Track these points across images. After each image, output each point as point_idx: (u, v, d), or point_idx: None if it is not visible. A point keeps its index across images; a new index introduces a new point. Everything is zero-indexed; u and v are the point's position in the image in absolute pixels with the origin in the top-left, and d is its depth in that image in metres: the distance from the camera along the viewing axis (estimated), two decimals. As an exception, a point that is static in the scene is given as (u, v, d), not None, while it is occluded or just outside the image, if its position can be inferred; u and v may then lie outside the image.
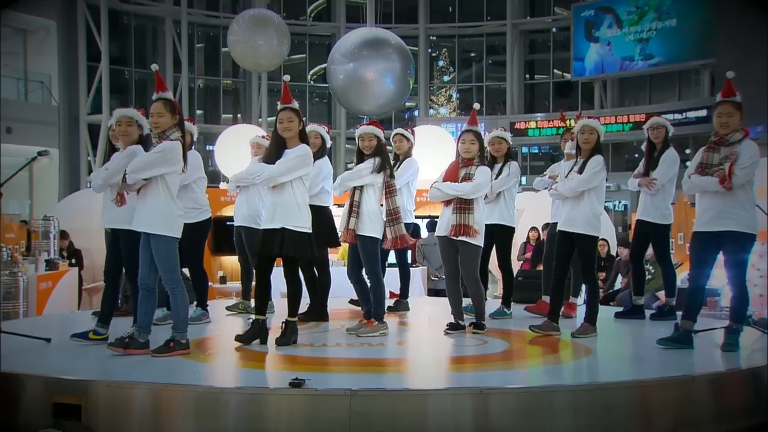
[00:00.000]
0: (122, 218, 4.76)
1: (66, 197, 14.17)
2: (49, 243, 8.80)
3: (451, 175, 5.48)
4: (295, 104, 4.99)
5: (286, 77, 5.16)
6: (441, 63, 28.31)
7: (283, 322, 5.02)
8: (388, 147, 5.61)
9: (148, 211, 4.55)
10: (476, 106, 5.77)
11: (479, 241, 5.44)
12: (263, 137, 6.41)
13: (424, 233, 9.19)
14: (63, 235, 9.28)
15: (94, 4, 22.32)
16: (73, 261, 9.25)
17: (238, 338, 4.98)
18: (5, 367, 4.11)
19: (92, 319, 5.40)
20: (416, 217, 6.85)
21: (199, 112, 25.55)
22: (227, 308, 6.61)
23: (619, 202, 24.81)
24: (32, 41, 21.46)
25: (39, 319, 7.12)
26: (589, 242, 5.39)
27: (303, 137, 4.99)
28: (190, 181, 5.72)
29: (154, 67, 4.97)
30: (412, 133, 6.58)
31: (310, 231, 4.92)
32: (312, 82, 27.36)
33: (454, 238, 5.40)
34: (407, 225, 6.26)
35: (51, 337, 5.07)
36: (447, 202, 5.46)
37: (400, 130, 6.58)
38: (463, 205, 5.38)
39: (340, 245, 5.90)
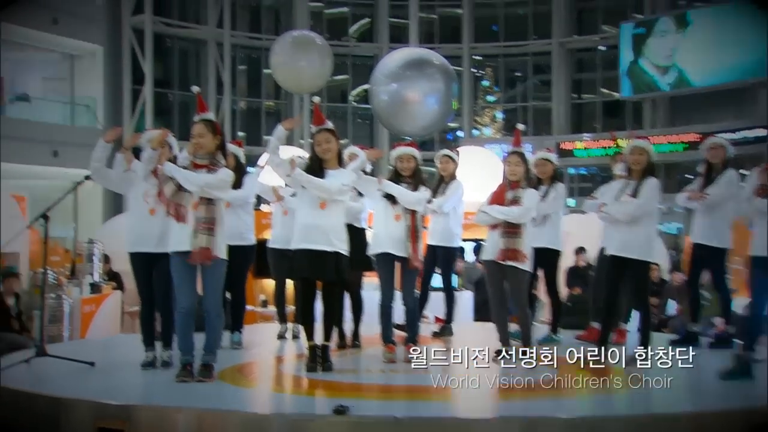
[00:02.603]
0: (173, 241, 4.73)
1: (109, 220, 14.43)
2: (93, 266, 8.93)
3: (498, 198, 5.48)
4: (330, 124, 5.07)
5: (317, 99, 5.31)
6: (485, 83, 28.27)
7: (317, 347, 5.03)
8: (431, 168, 5.64)
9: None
10: (520, 126, 5.81)
11: (527, 266, 5.43)
12: (300, 157, 6.39)
13: (469, 257, 9.25)
14: (106, 258, 9.39)
15: (139, 28, 22.89)
16: (115, 284, 9.35)
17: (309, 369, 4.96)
18: (50, 391, 4.20)
19: (140, 344, 5.41)
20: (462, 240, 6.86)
21: (240, 133, 25.86)
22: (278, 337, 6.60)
23: (672, 224, 24.35)
24: (79, 66, 22.05)
25: (83, 343, 7.24)
26: (644, 268, 5.32)
27: (340, 159, 5.10)
28: (252, 201, 5.93)
29: (195, 89, 5.12)
30: (457, 154, 6.61)
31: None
32: (354, 103, 27.56)
33: (502, 263, 5.38)
34: (455, 249, 6.38)
35: (95, 360, 5.14)
36: (493, 226, 5.46)
37: (446, 151, 6.60)
38: (511, 229, 5.37)
39: (373, 269, 5.88)
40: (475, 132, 27.51)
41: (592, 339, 5.83)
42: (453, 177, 6.46)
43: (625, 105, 26.86)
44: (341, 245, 4.94)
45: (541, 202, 5.91)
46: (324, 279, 4.97)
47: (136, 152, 5.26)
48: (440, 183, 6.44)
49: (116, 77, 22.44)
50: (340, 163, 5.10)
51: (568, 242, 6.86)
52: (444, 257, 6.39)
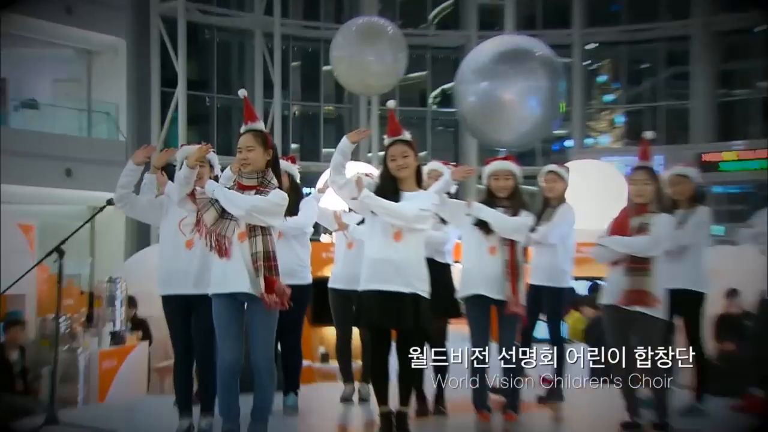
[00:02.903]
0: (215, 280, 4.81)
1: (134, 255, 14.52)
2: (115, 311, 8.96)
3: (620, 227, 5.47)
4: (407, 135, 5.13)
5: (391, 103, 5.37)
6: (602, 78, 27.96)
7: (391, 413, 5.02)
8: (532, 188, 5.63)
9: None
10: (648, 135, 5.79)
11: (660, 312, 5.37)
12: (367, 174, 6.38)
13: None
14: (131, 302, 9.46)
15: (171, 16, 23.31)
16: (141, 334, 9.32)
17: None
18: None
19: (172, 408, 5.49)
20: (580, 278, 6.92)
21: (294, 146, 26.01)
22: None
23: None
24: (98, 64, 22.31)
25: (102, 407, 7.41)
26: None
27: (419, 178, 5.16)
28: (309, 231, 6.05)
29: (242, 92, 5.17)
30: (566, 170, 6.62)
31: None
32: (434, 107, 27.56)
33: (627, 308, 5.34)
34: (563, 290, 6.38)
35: (117, 429, 5.32)
36: (615, 262, 5.44)
37: (552, 166, 6.62)
38: (638, 265, 5.33)
39: (461, 315, 5.95)
40: (588, 141, 27.16)
41: (753, 410, 5.74)
42: (561, 199, 6.46)
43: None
44: (421, 285, 4.98)
45: (677, 231, 5.83)
46: (400, 328, 5.01)
47: (168, 171, 5.44)
48: (545, 207, 6.45)
49: (142, 78, 22.78)
50: (419, 182, 5.17)
51: (715, 282, 6.68)
52: (551, 300, 6.38)
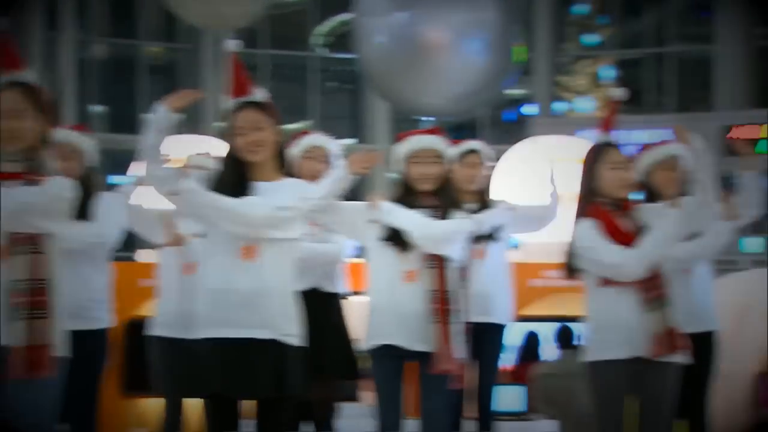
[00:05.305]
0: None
1: None
2: None
3: (615, 232, 4.55)
4: (260, 95, 4.35)
5: (234, 43, 4.53)
6: (580, 9, 24.22)
7: None
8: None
9: None
10: (617, 93, 5.04)
11: (684, 356, 4.63)
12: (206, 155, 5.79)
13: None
14: None
15: None
16: None
17: None
18: None
19: None
20: (523, 319, 6.48)
21: (97, 108, 22.49)
22: None
23: None
24: None
25: None
26: None
27: (281, 161, 4.35)
28: (109, 243, 5.20)
29: None
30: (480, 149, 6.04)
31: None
32: (321, 50, 24.39)
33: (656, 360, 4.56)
34: (502, 328, 5.99)
35: None
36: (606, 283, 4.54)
37: (475, 144, 5.99)
38: (656, 289, 4.55)
39: (361, 376, 5.36)
40: (559, 106, 24.28)
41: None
42: (484, 195, 5.94)
43: None
44: (288, 327, 4.19)
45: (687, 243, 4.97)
46: (256, 396, 4.20)
47: None
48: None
49: None
50: (283, 168, 4.40)
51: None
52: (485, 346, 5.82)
